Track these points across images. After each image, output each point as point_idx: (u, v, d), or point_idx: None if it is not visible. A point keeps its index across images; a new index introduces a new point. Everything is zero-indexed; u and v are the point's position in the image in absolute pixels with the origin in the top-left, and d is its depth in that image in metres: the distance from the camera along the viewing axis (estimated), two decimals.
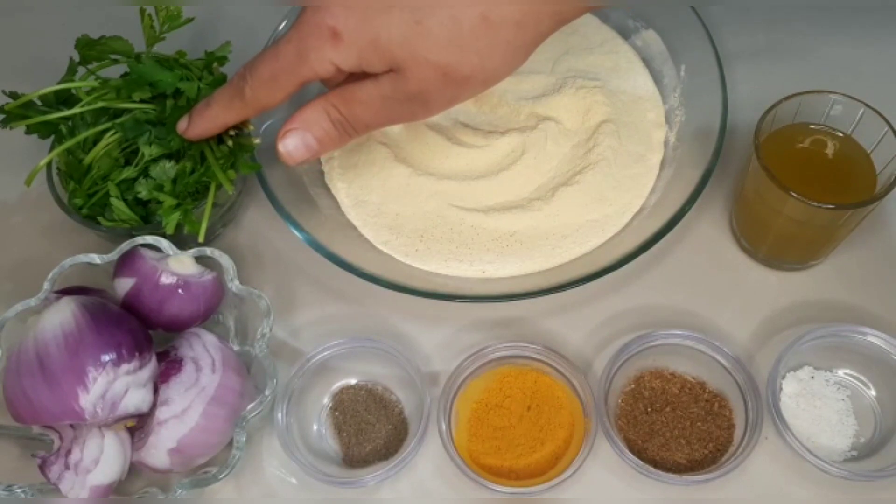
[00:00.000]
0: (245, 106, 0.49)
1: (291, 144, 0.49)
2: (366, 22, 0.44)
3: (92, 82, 0.56)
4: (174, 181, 0.55)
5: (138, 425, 0.49)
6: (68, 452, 0.48)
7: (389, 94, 0.46)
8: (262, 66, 0.47)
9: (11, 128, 0.56)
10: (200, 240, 0.54)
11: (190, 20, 0.58)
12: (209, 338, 0.51)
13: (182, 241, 0.55)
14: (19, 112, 0.56)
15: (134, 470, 0.50)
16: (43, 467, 0.48)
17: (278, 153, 0.49)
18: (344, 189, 0.61)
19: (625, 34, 0.66)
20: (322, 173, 0.62)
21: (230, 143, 0.55)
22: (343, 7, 0.44)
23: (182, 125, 0.52)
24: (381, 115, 0.48)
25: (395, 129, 0.62)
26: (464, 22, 0.44)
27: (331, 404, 0.54)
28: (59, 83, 0.57)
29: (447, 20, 0.44)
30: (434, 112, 0.47)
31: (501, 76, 0.46)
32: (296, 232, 0.56)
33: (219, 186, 0.55)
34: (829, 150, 0.54)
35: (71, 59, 0.58)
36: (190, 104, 0.54)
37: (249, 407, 0.49)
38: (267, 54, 0.47)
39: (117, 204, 0.55)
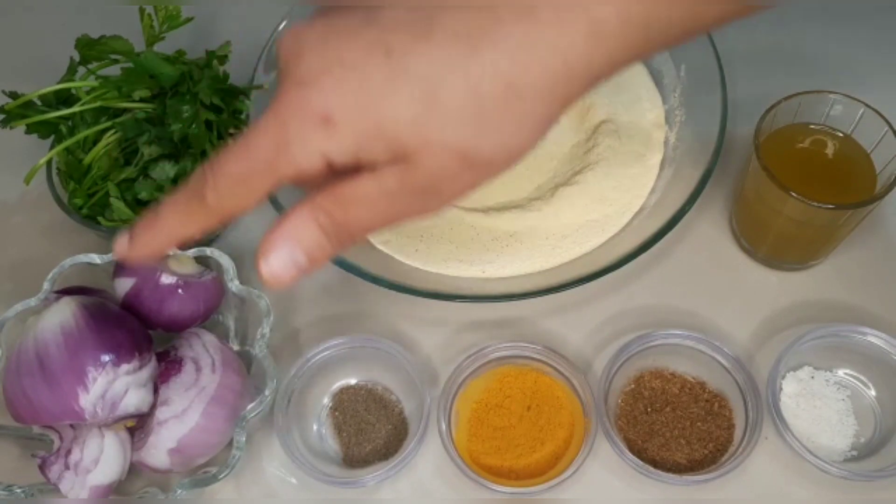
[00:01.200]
0: (208, 215, 0.37)
1: (277, 264, 0.37)
2: (364, 101, 0.34)
3: (92, 82, 0.56)
4: (174, 181, 0.55)
5: (138, 425, 0.49)
6: (68, 452, 0.48)
7: (395, 189, 0.36)
8: (229, 163, 0.36)
9: (11, 127, 0.56)
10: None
11: (189, 20, 0.58)
12: (209, 338, 0.51)
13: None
14: (19, 112, 0.56)
15: (134, 470, 0.50)
16: (43, 467, 0.48)
17: (260, 276, 0.37)
18: None
19: None
20: None
21: (230, 140, 0.55)
22: (334, 80, 0.34)
23: (121, 244, 0.39)
24: (384, 216, 0.38)
25: None
26: (485, 93, 0.35)
27: (331, 404, 0.54)
28: (59, 83, 0.57)
29: (465, 92, 0.34)
30: (448, 203, 0.39)
31: (523, 154, 0.38)
32: None
33: None
34: (829, 150, 0.54)
35: (71, 58, 0.58)
36: (190, 102, 0.54)
37: (249, 407, 0.49)
38: (236, 149, 0.36)
39: (117, 204, 0.55)
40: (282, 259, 0.37)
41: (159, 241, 0.39)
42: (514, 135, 0.37)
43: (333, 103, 0.35)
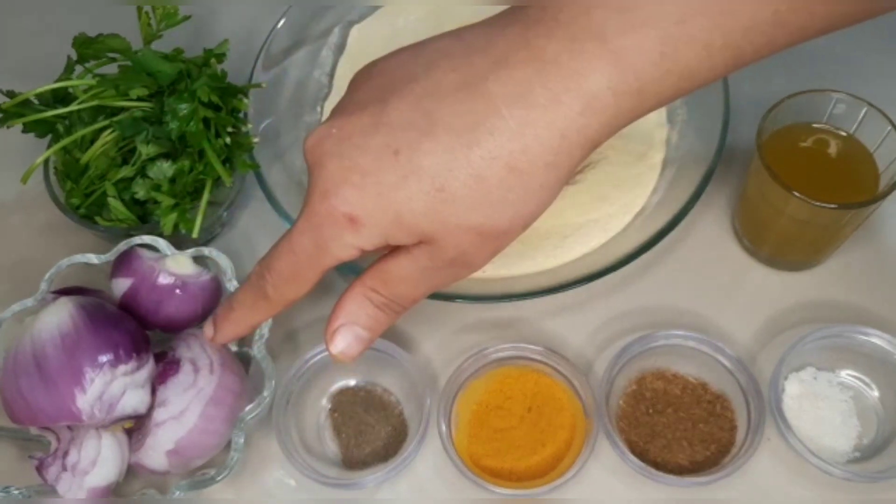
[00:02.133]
0: (271, 305, 0.45)
1: (343, 343, 0.44)
2: (382, 199, 0.39)
3: (89, 81, 0.56)
4: (172, 181, 0.54)
5: (136, 427, 0.49)
6: (65, 454, 0.48)
7: (428, 266, 0.42)
8: (280, 263, 0.43)
9: (8, 126, 0.56)
10: (194, 235, 0.54)
11: (187, 18, 0.58)
12: None
13: (180, 241, 0.54)
14: (16, 111, 0.56)
15: (131, 472, 0.50)
16: (40, 469, 0.48)
17: (332, 356, 0.45)
18: None
19: None
20: None
21: (228, 138, 0.54)
22: (354, 188, 0.39)
23: (208, 331, 0.48)
24: (424, 287, 0.44)
25: None
26: (489, 178, 0.38)
27: (330, 406, 0.54)
28: (56, 81, 0.57)
29: (470, 181, 0.38)
30: (480, 266, 0.43)
31: (541, 213, 0.42)
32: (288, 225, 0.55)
33: (216, 182, 0.55)
34: (832, 150, 0.54)
35: (68, 57, 0.58)
36: (188, 100, 0.54)
37: (248, 408, 0.49)
38: (282, 249, 0.43)
39: (115, 204, 0.55)
40: (347, 339, 0.45)
41: (237, 330, 0.47)
42: (525, 206, 0.40)
43: (356, 207, 0.40)
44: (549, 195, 0.41)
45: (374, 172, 0.39)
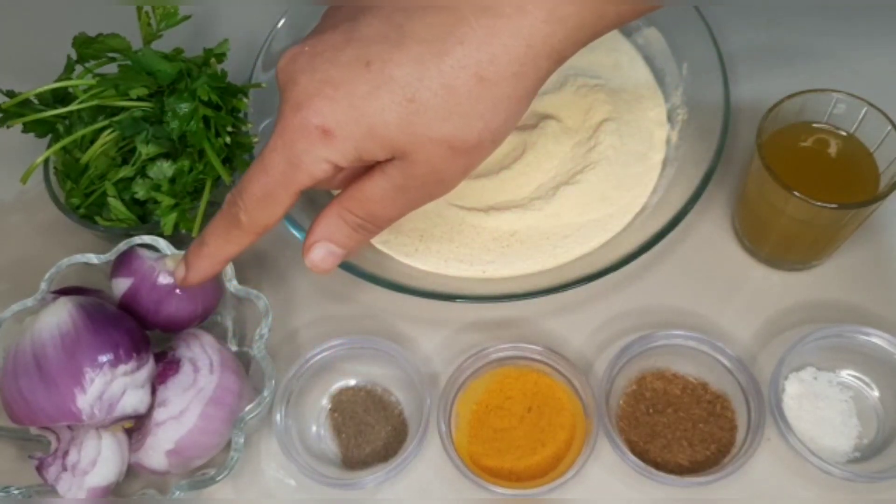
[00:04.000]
0: (244, 233, 0.44)
1: (318, 257, 0.45)
2: (355, 111, 0.40)
3: (89, 80, 0.56)
4: (172, 180, 0.54)
5: (136, 427, 0.49)
6: (65, 454, 0.48)
7: (402, 183, 0.42)
8: (252, 184, 0.42)
9: (8, 126, 0.56)
10: (194, 234, 0.54)
11: (187, 18, 0.58)
12: (207, 338, 0.51)
13: (180, 240, 0.54)
14: (16, 110, 0.56)
15: (131, 471, 0.50)
16: (40, 469, 0.48)
17: (308, 265, 0.45)
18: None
19: (626, 32, 0.66)
20: None
21: (228, 138, 0.54)
22: (326, 100, 0.40)
23: (179, 272, 0.47)
24: (399, 206, 0.44)
25: None
26: (459, 88, 0.40)
27: (330, 405, 0.54)
28: (56, 81, 0.57)
29: (441, 90, 0.39)
30: (453, 185, 0.44)
31: (510, 129, 0.43)
32: (294, 231, 0.55)
33: (216, 182, 0.55)
34: (832, 150, 0.54)
35: (68, 56, 0.58)
36: (188, 99, 0.54)
37: (248, 408, 0.49)
38: (254, 170, 0.42)
39: (115, 203, 0.55)
40: (320, 254, 0.45)
41: (210, 265, 0.46)
42: (493, 118, 0.41)
43: (329, 119, 0.40)
44: (517, 107, 0.42)
45: (346, 84, 0.40)
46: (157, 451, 0.48)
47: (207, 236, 0.45)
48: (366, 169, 0.43)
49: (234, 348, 0.55)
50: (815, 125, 0.54)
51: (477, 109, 0.40)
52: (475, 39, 0.39)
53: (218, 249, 0.45)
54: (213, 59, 0.57)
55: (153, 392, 0.49)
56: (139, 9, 0.57)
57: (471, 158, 0.42)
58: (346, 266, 0.54)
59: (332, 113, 0.40)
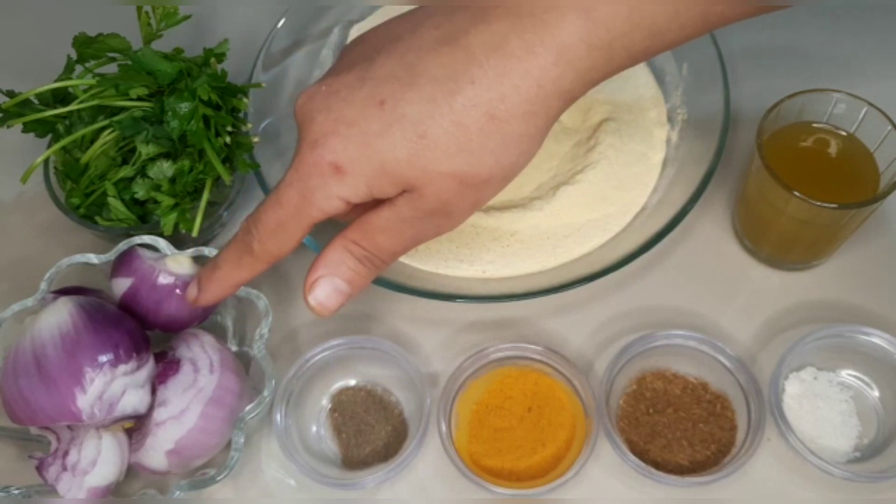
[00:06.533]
0: (256, 261, 0.45)
1: (322, 294, 0.44)
2: (367, 148, 0.41)
3: (89, 80, 0.56)
4: (172, 180, 0.54)
5: (136, 426, 0.49)
6: (65, 454, 0.48)
7: (409, 216, 0.43)
8: (266, 216, 0.44)
9: (8, 126, 0.56)
10: (194, 234, 0.54)
11: (186, 18, 0.58)
12: (207, 338, 0.51)
13: (180, 240, 0.54)
14: (16, 110, 0.56)
15: (131, 471, 0.50)
16: (40, 468, 0.48)
17: (309, 307, 0.44)
18: None
19: None
20: None
21: (227, 138, 0.54)
22: (339, 138, 0.41)
23: (192, 293, 0.48)
24: (405, 239, 0.44)
25: None
26: (470, 126, 0.40)
27: (330, 405, 0.54)
28: (56, 81, 0.57)
29: (452, 127, 0.40)
30: (460, 220, 0.44)
31: (522, 166, 0.43)
32: None
33: (216, 182, 0.55)
34: (832, 149, 0.54)
35: (68, 56, 0.57)
36: (188, 99, 0.54)
37: (248, 408, 0.49)
38: (269, 203, 0.44)
39: (115, 203, 0.55)
40: (325, 290, 0.44)
41: (222, 289, 0.47)
42: (504, 155, 0.41)
43: (342, 156, 0.41)
44: (529, 145, 0.42)
45: (359, 122, 0.41)
46: (157, 450, 0.48)
47: (221, 261, 0.46)
48: (376, 203, 0.43)
49: (234, 348, 0.55)
50: (815, 125, 0.54)
51: (488, 146, 0.41)
52: (486, 79, 0.40)
53: (229, 275, 0.46)
54: (213, 59, 0.57)
55: (153, 392, 0.49)
56: (139, 9, 0.57)
57: (480, 193, 0.43)
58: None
59: (345, 150, 0.41)
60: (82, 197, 0.56)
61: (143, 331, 0.50)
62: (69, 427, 0.48)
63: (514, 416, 0.52)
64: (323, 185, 0.41)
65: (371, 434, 0.53)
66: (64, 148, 0.56)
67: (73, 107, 0.56)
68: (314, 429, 0.53)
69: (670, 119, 0.62)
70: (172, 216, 0.54)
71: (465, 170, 0.41)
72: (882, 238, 0.58)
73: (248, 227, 0.45)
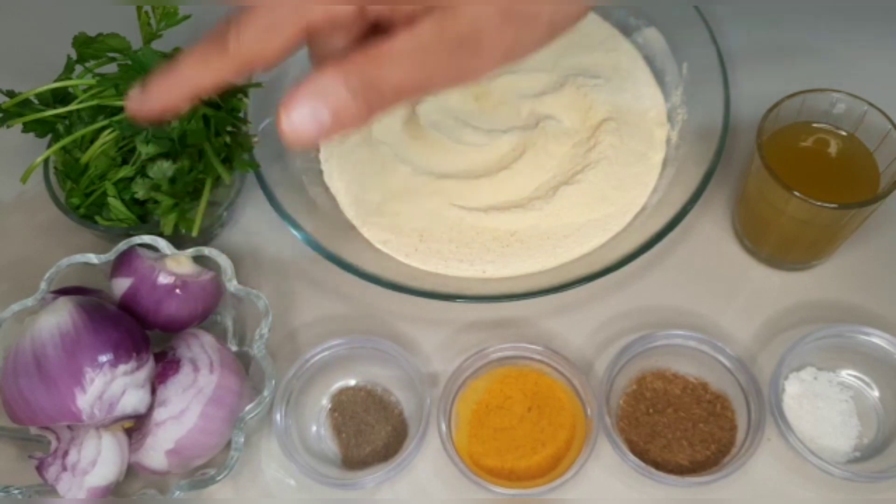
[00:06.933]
0: (227, 60, 0.35)
1: (298, 118, 0.35)
2: None
3: (89, 80, 0.56)
4: (172, 180, 0.54)
5: (136, 426, 0.49)
6: (65, 454, 0.48)
7: (431, 41, 0.34)
8: (256, 8, 0.35)
9: (8, 126, 0.56)
10: (194, 234, 0.54)
11: (186, 18, 0.58)
12: (207, 338, 0.51)
13: (180, 240, 0.54)
14: (16, 110, 0.56)
15: (131, 471, 0.50)
16: (40, 468, 0.48)
17: (280, 130, 0.35)
18: (343, 188, 0.61)
19: (626, 32, 0.66)
20: (321, 172, 0.62)
21: (227, 138, 0.54)
22: None
23: (133, 98, 0.37)
24: (417, 73, 0.35)
25: (396, 127, 0.62)
26: None
27: (330, 405, 0.54)
28: (56, 81, 0.57)
29: None
30: (486, 68, 0.36)
31: (570, 24, 0.36)
32: (294, 231, 0.55)
33: (216, 182, 0.55)
34: (832, 149, 0.54)
35: (68, 56, 0.57)
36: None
37: (248, 408, 0.49)
38: None
39: (115, 203, 0.55)
40: (302, 114, 0.35)
41: (175, 92, 0.37)
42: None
43: None
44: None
45: None
46: (157, 450, 0.48)
47: (182, 58, 0.37)
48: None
49: (234, 348, 0.55)
50: (815, 125, 0.54)
51: None
52: None
53: (190, 73, 0.36)
54: None
55: (153, 392, 0.49)
56: (139, 8, 0.57)
57: (521, 31, 0.35)
58: (347, 266, 0.54)
59: None
60: (82, 197, 0.56)
61: (142, 331, 0.50)
62: (69, 427, 0.48)
63: (514, 415, 0.52)
64: None
65: (371, 434, 0.53)
66: (64, 148, 0.56)
67: (72, 107, 0.56)
68: (314, 429, 0.53)
69: (670, 119, 0.62)
70: (172, 216, 0.54)
71: None
72: (882, 238, 0.58)
73: (226, 22, 0.35)
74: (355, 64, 0.35)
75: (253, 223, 0.61)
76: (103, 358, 0.46)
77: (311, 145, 0.37)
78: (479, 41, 0.35)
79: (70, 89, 0.57)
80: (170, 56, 0.56)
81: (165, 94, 0.36)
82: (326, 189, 0.61)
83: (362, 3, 0.34)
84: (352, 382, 0.54)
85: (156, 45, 0.57)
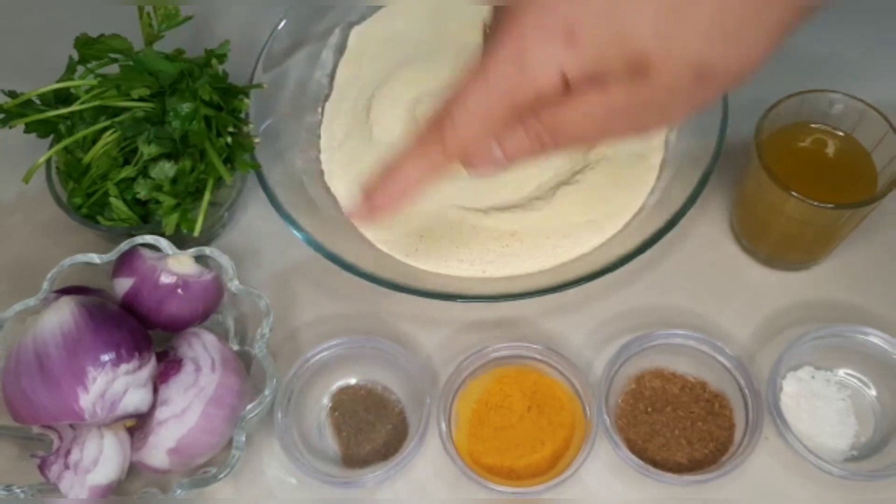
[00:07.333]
0: (446, 158, 0.37)
1: (478, 159, 0.37)
2: (609, 14, 0.34)
3: (91, 81, 0.56)
4: (174, 181, 0.55)
5: (138, 425, 0.49)
6: (68, 452, 0.48)
7: (620, 104, 0.36)
8: (470, 95, 0.36)
9: (10, 126, 0.56)
10: (195, 234, 0.54)
11: (188, 19, 0.58)
12: (208, 338, 0.51)
13: (181, 240, 0.54)
14: (18, 111, 0.56)
15: (133, 470, 0.50)
16: (42, 467, 0.48)
17: (451, 155, 0.37)
18: (344, 188, 0.61)
19: None
20: (322, 172, 0.62)
21: (229, 138, 0.55)
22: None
23: (356, 206, 0.40)
24: (600, 128, 0.37)
25: (396, 128, 0.62)
26: (733, 7, 0.34)
27: (330, 404, 0.54)
28: (57, 81, 0.57)
29: (712, 6, 0.34)
30: (667, 124, 0.40)
31: (758, 68, 0.37)
32: (295, 232, 0.55)
33: (217, 182, 0.55)
34: (830, 150, 0.54)
35: (70, 57, 0.58)
36: (190, 99, 0.54)
37: (249, 407, 0.49)
38: (472, 79, 0.36)
39: (117, 203, 0.55)
40: (482, 155, 0.37)
41: (400, 195, 0.38)
42: (756, 45, 0.36)
43: (579, 17, 0.34)
44: (782, 35, 0.36)
45: None
46: (158, 449, 0.48)
47: (401, 159, 0.38)
48: None
49: (235, 348, 0.55)
50: (813, 125, 0.54)
51: (743, 33, 0.35)
52: None
53: (412, 175, 0.38)
54: (214, 60, 0.57)
55: (155, 391, 0.49)
56: (141, 9, 0.57)
57: (706, 92, 0.37)
58: (347, 266, 0.54)
59: (584, 12, 0.34)
60: (84, 197, 0.56)
61: (144, 330, 0.50)
62: (71, 426, 0.49)
63: (513, 414, 0.52)
64: (543, 49, 0.34)
65: (371, 433, 0.53)
66: (66, 148, 0.56)
67: (74, 107, 0.56)
68: (315, 427, 0.54)
69: None
70: (174, 216, 0.54)
71: (711, 57, 0.35)
72: (880, 238, 0.59)
73: (440, 116, 0.36)
74: (539, 112, 0.36)
75: (254, 223, 0.62)
76: (105, 357, 0.47)
77: (484, 175, 0.38)
78: (667, 104, 0.36)
79: (72, 90, 0.57)
80: (172, 58, 0.56)
81: (391, 199, 0.39)
82: (327, 189, 0.61)
83: (569, 75, 0.35)
84: (352, 381, 0.55)
85: (157, 45, 0.57)
